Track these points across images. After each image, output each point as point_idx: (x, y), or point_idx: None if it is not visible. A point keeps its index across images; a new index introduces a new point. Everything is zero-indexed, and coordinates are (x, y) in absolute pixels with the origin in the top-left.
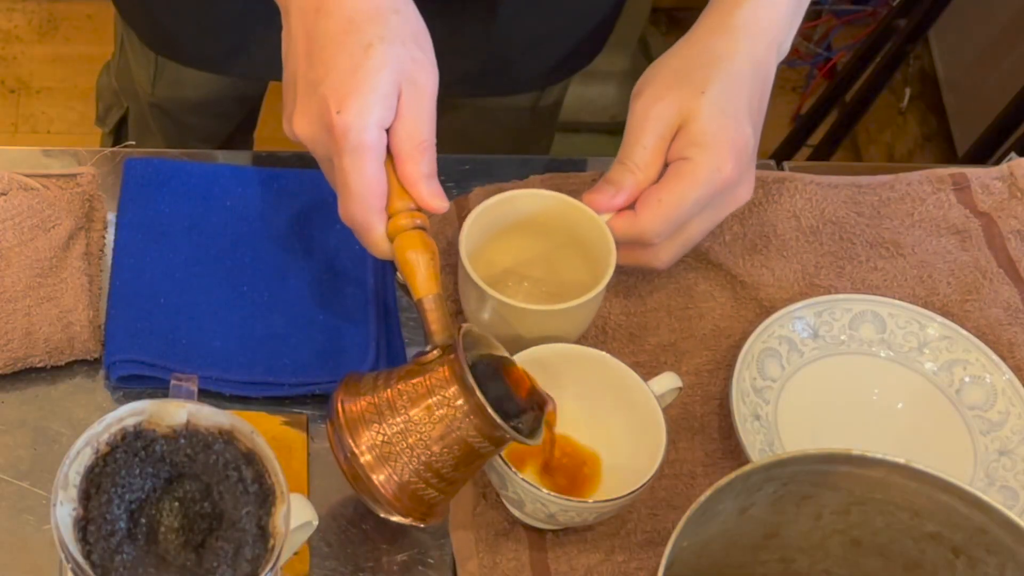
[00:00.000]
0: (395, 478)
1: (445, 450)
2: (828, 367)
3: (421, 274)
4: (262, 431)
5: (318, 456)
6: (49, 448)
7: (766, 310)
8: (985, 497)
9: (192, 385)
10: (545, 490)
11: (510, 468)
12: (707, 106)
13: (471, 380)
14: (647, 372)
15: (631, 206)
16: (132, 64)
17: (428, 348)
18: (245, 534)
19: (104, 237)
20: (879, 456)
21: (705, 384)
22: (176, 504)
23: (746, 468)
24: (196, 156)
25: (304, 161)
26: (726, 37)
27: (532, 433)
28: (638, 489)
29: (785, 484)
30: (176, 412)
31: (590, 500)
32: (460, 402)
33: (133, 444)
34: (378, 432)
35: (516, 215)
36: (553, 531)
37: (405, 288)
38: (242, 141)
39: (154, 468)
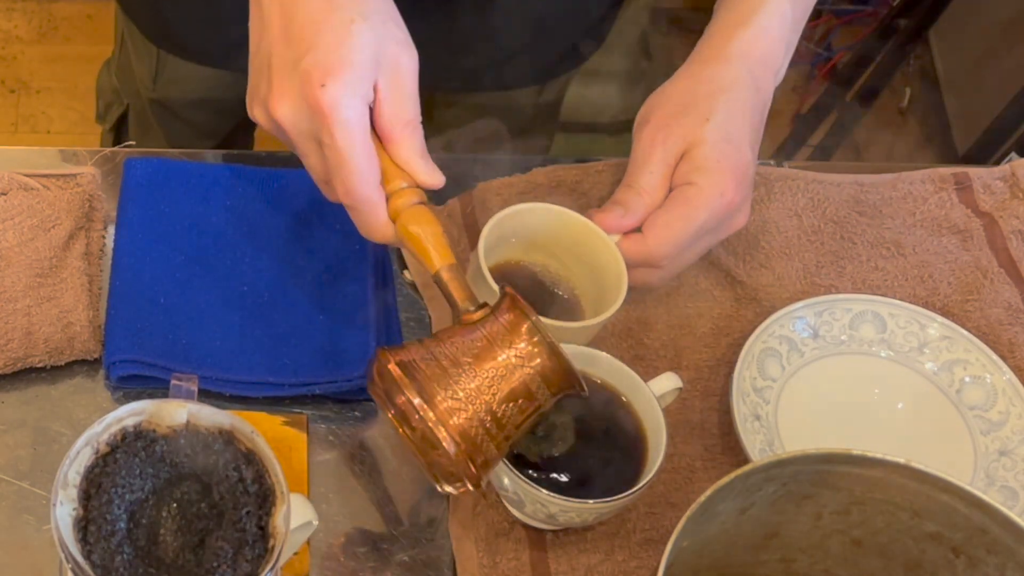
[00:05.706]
0: (460, 430)
1: (511, 402)
2: (828, 367)
3: (434, 247)
4: (262, 431)
5: (318, 456)
6: (49, 448)
7: (766, 309)
8: (985, 497)
9: (192, 385)
10: (545, 490)
11: (510, 468)
12: (711, 133)
13: (548, 334)
14: (646, 369)
15: (637, 229)
16: (133, 60)
17: (473, 308)
18: (245, 534)
19: (104, 237)
20: (879, 456)
21: (705, 380)
22: (176, 504)
23: (746, 468)
24: (196, 156)
25: None
26: (725, 66)
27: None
28: (638, 490)
29: (785, 484)
30: (176, 412)
31: (590, 501)
32: (532, 353)
33: (133, 444)
34: (445, 387)
35: (527, 229)
36: (553, 531)
37: (413, 286)
38: (244, 138)
39: (154, 468)
